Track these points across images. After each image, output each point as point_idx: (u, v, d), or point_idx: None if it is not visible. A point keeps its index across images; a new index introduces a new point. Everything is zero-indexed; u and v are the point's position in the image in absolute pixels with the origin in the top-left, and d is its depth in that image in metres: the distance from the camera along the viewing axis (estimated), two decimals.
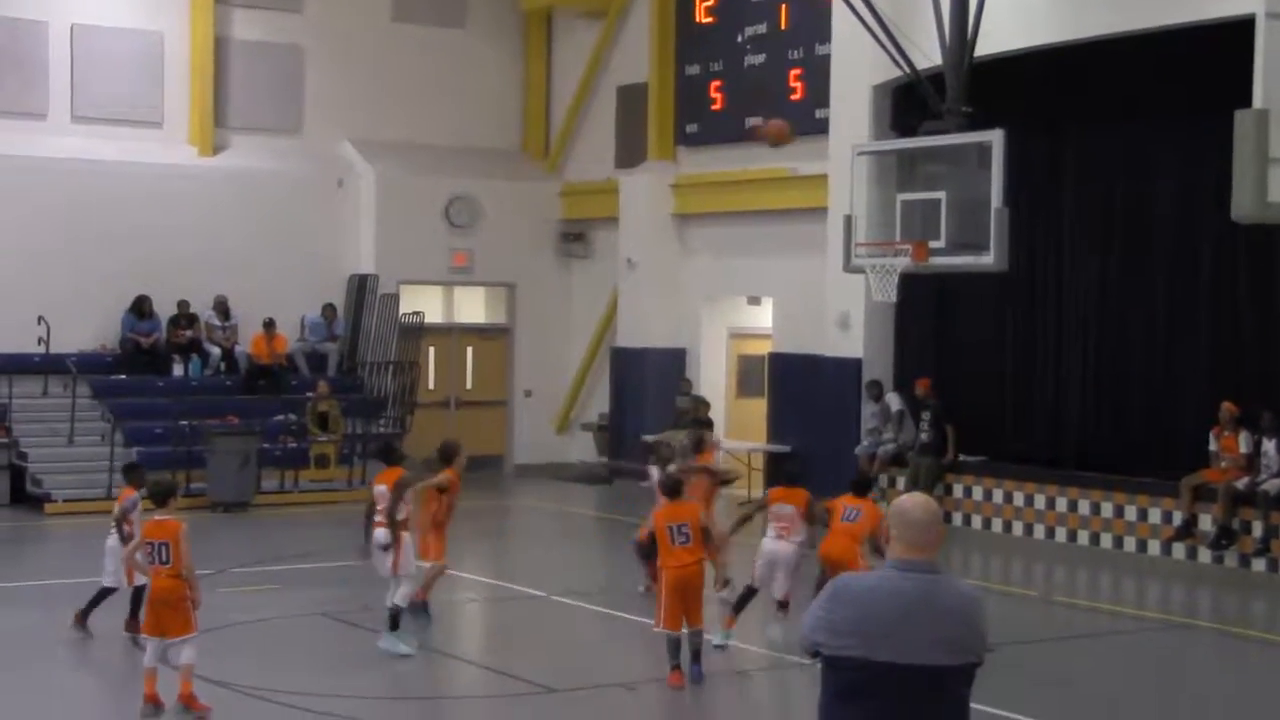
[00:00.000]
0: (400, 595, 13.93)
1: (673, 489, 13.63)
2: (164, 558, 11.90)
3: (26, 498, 23.74)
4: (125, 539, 13.91)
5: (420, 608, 14.79)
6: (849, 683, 6.13)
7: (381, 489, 14.25)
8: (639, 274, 28.13)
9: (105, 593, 14.70)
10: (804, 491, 14.76)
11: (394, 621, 13.85)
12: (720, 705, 13.50)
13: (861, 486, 14.90)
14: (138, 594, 14.27)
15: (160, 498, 12.43)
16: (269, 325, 26.92)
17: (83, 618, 14.76)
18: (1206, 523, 19.72)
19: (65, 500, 23.30)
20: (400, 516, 14.03)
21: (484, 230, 29.30)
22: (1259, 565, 19.15)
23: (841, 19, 22.21)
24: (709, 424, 26.03)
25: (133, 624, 14.26)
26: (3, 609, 16.71)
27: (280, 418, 25.66)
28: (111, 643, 14.12)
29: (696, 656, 13.16)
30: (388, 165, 28.65)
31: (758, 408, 26.65)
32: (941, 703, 6.16)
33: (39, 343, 25.26)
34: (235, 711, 12.55)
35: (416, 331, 28.20)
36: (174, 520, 12.06)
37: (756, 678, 13.88)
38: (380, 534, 14.00)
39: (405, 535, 14.06)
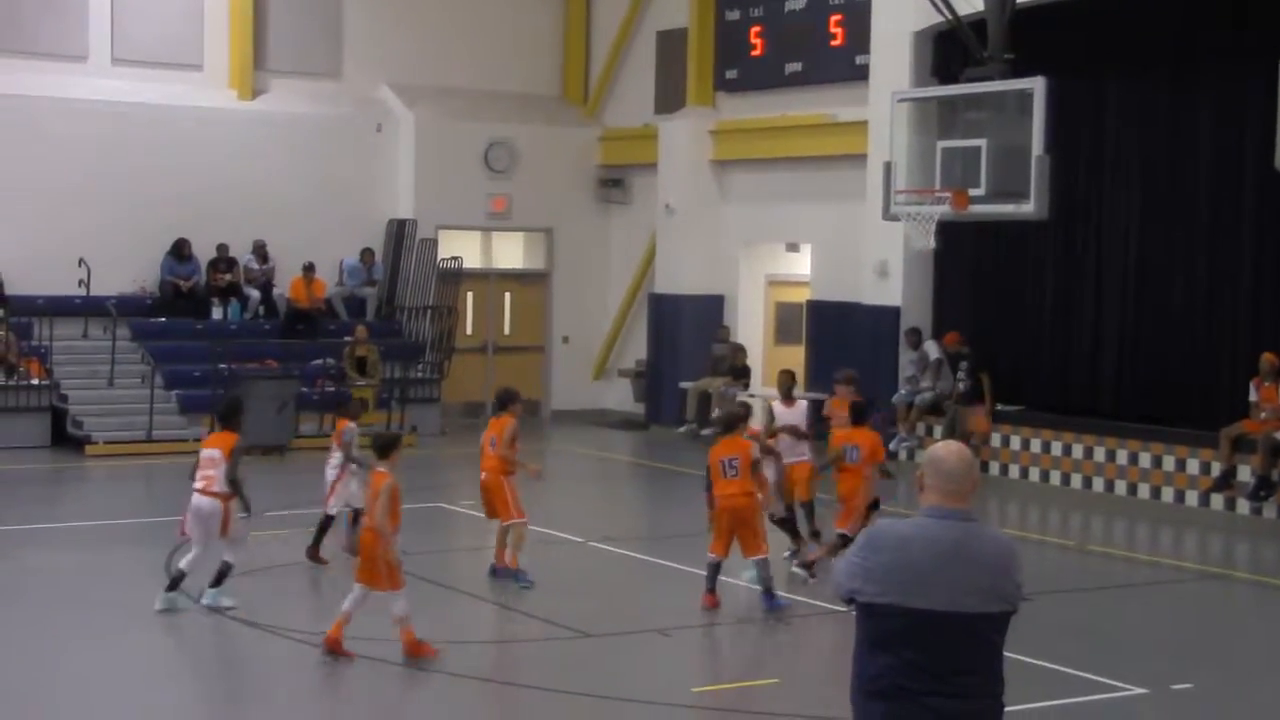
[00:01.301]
0: (230, 554, 13.55)
1: (729, 425, 14.42)
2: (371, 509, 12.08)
3: (67, 439, 23.93)
4: (357, 463, 14.89)
5: (513, 573, 14.76)
6: (884, 630, 6.17)
7: (214, 453, 13.60)
8: (677, 220, 28.10)
9: (329, 520, 15.39)
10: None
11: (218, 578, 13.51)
12: (750, 648, 13.59)
13: (859, 413, 15.30)
14: (325, 523, 15.30)
15: (383, 450, 12.32)
16: (308, 269, 27.03)
17: (315, 551, 15.38)
18: (1245, 474, 19.70)
19: (105, 442, 23.54)
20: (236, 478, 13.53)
21: (522, 175, 29.34)
22: None
23: None
24: (746, 371, 26.19)
25: (313, 550, 15.28)
26: (51, 549, 16.93)
27: (318, 362, 25.79)
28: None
29: (766, 589, 13.78)
30: (426, 110, 28.67)
31: (795, 355, 26.62)
32: (976, 649, 6.20)
33: (79, 285, 25.48)
34: (275, 651, 12.75)
35: (455, 276, 28.26)
36: (385, 474, 12.09)
37: (793, 622, 13.92)
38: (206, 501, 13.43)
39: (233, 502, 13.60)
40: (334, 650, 11.92)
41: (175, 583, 13.43)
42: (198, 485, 13.40)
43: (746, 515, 13.63)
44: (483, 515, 15.45)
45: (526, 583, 14.60)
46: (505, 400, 15.34)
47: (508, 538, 14.86)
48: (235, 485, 13.38)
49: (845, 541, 14.05)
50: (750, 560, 13.90)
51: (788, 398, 16.66)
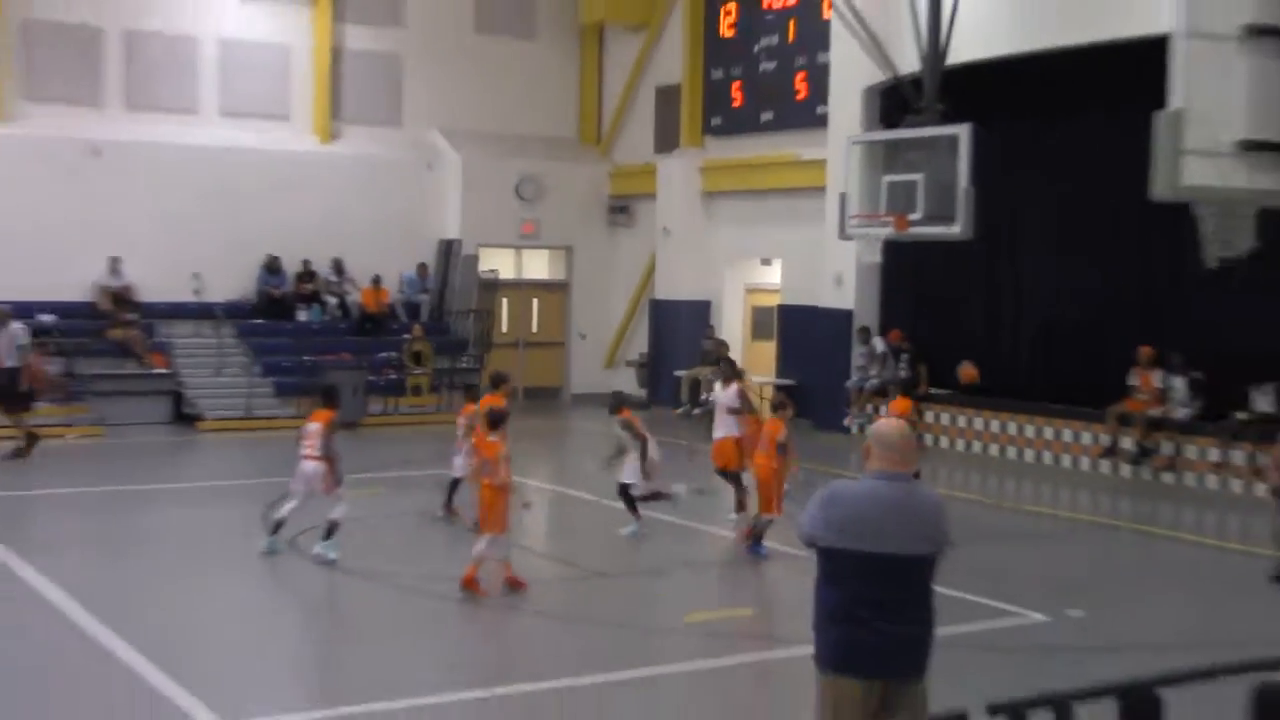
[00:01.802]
0: (337, 512, 13.26)
1: (777, 406, 14.42)
2: (488, 471, 12.21)
3: (183, 416, 24.01)
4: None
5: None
6: (839, 568, 6.21)
7: (315, 426, 13.54)
8: (673, 240, 28.09)
9: (456, 483, 15.27)
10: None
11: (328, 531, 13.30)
12: (736, 583, 13.62)
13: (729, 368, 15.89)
14: (454, 484, 15.25)
15: (495, 424, 12.52)
16: (376, 281, 27.02)
17: (448, 506, 15.38)
18: (1127, 443, 19.78)
19: (213, 419, 23.59)
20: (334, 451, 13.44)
21: (547, 204, 29.27)
22: (1168, 478, 19.22)
23: (838, 33, 22.15)
24: (731, 362, 26.09)
25: (446, 506, 15.29)
26: (172, 504, 17.01)
27: (383, 355, 25.76)
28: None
29: (758, 538, 13.92)
30: (469, 151, 28.62)
31: (768, 349, 26.65)
32: (912, 585, 6.24)
33: (193, 294, 25.64)
34: (351, 591, 12.79)
35: (492, 286, 28.30)
36: (498, 443, 12.25)
37: (766, 566, 13.96)
38: (310, 464, 13.32)
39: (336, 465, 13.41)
40: (469, 588, 12.02)
41: (276, 528, 13.45)
42: (304, 452, 13.42)
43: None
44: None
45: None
46: (497, 381, 15.57)
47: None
48: (330, 452, 13.32)
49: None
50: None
51: (726, 381, 16.09)
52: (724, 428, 15.45)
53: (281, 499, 13.80)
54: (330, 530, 13.23)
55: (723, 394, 15.87)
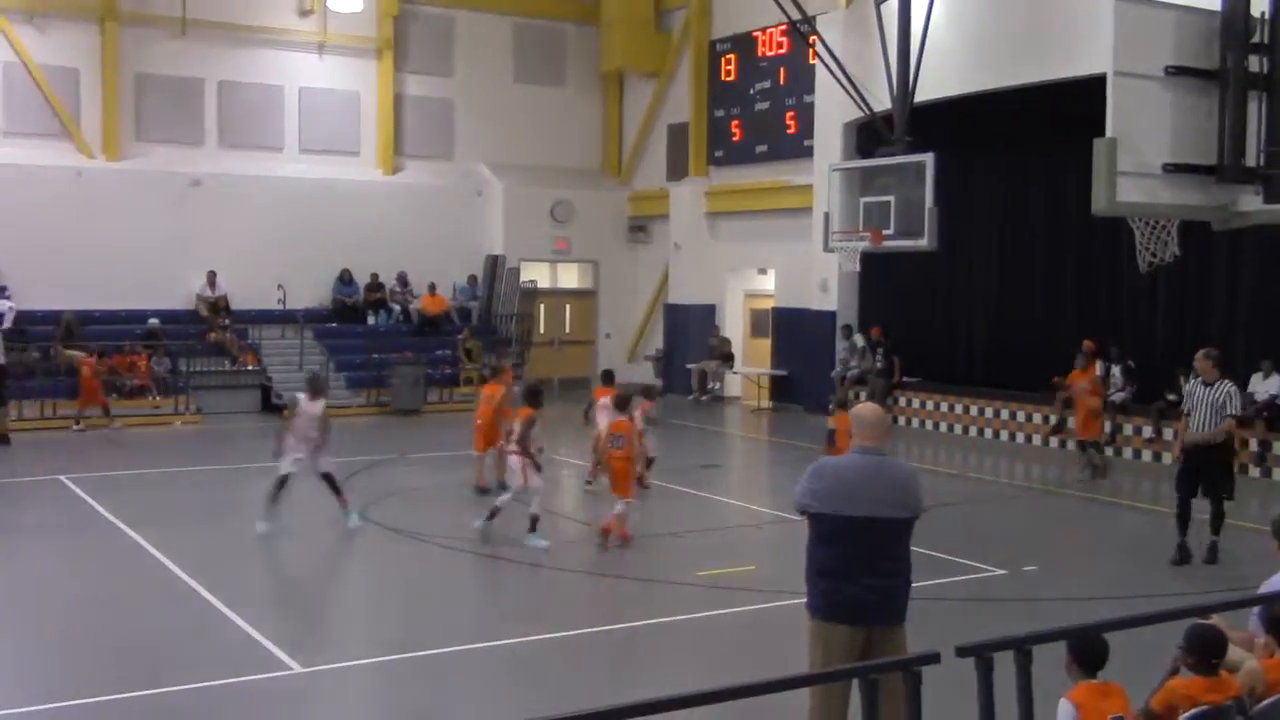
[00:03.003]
0: (535, 504, 12.49)
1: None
2: (620, 444, 12.60)
3: (271, 406, 23.97)
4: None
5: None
6: (827, 530, 6.17)
7: (514, 425, 12.83)
8: (683, 254, 28.01)
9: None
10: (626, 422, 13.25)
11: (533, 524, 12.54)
12: (739, 544, 13.56)
13: (621, 402, 13.34)
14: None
15: (622, 406, 12.95)
16: (432, 288, 27.01)
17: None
18: (1071, 423, 19.61)
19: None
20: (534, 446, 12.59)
21: (577, 224, 29.23)
22: (1107, 452, 19.04)
23: (821, 77, 22.02)
24: (730, 356, 26.09)
25: (593, 471, 15.28)
26: (261, 478, 16.88)
27: (440, 352, 25.76)
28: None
29: None
30: (511, 180, 28.58)
31: (764, 345, 26.58)
32: (890, 544, 6.19)
33: (278, 302, 25.65)
34: (406, 551, 12.73)
35: (531, 293, 28.21)
36: (627, 421, 12.67)
37: (765, 529, 13.91)
38: (514, 459, 12.60)
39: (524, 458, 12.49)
40: (621, 537, 12.45)
41: (492, 515, 12.72)
42: (508, 448, 12.80)
43: None
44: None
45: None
46: (493, 370, 16.09)
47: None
48: (524, 446, 12.40)
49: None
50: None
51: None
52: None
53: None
54: (533, 523, 12.39)
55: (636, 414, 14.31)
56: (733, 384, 27.27)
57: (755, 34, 26.47)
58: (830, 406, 23.00)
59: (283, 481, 13.05)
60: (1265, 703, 5.58)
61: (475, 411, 15.48)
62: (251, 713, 7.94)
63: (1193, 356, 12.71)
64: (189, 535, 13.18)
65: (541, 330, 29.29)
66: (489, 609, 10.84)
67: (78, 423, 20.94)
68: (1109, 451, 18.75)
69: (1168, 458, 18.11)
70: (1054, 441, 19.86)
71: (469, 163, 28.72)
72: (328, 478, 13.32)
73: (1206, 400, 11.78)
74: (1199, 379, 12.07)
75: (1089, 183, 9.24)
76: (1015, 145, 21.27)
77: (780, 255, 25.70)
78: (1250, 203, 8.85)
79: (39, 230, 23.73)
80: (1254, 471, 17.15)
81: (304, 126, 26.79)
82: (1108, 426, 18.84)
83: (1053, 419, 19.76)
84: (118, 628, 9.77)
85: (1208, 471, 11.87)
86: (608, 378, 15.81)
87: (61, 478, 16.25)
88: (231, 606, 10.09)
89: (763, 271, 27.40)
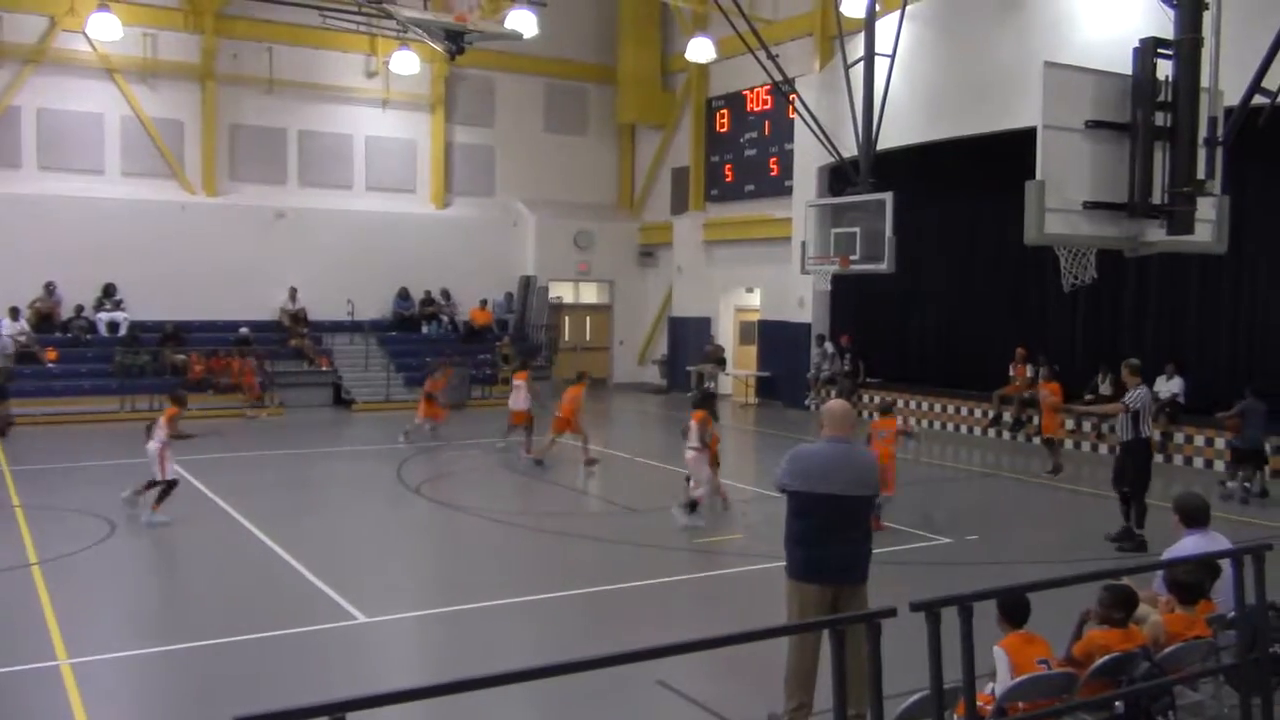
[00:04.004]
0: (702, 491, 12.14)
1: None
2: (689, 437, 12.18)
3: (341, 400, 24.06)
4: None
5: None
6: (803, 505, 6.17)
7: (692, 424, 12.22)
8: (684, 276, 27.98)
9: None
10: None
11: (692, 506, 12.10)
12: (728, 517, 13.51)
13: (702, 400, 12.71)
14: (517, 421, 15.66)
15: (698, 405, 12.32)
16: (483, 303, 27.05)
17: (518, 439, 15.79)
18: (1007, 416, 19.58)
19: (363, 402, 23.59)
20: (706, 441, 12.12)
21: (596, 250, 29.21)
22: (1036, 441, 18.95)
23: (799, 128, 21.97)
24: (723, 361, 26.01)
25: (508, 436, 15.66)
26: (334, 461, 17.03)
27: (484, 356, 25.68)
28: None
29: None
30: (541, 213, 28.57)
31: (751, 351, 26.54)
32: (856, 517, 6.19)
33: (348, 314, 25.63)
34: (454, 521, 12.69)
35: (558, 308, 28.22)
36: (703, 413, 12.14)
37: (750, 504, 13.87)
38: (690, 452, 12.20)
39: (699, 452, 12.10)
40: (721, 498, 12.46)
41: (693, 508, 11.99)
42: (689, 443, 12.13)
43: None
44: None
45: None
46: (579, 376, 16.07)
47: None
48: (702, 442, 11.74)
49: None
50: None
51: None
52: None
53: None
54: (693, 505, 11.98)
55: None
56: (725, 383, 27.28)
57: (745, 92, 26.45)
58: (809, 402, 23.09)
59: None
60: (1166, 650, 5.59)
61: (552, 405, 15.48)
62: (325, 654, 7.94)
63: (1107, 361, 12.65)
64: (265, 505, 13.16)
65: (566, 338, 29.29)
66: (524, 570, 10.78)
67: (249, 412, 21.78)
68: (1037, 440, 18.71)
69: (1085, 445, 18.14)
70: (991, 432, 19.81)
71: (507, 199, 28.71)
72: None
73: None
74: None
75: (1021, 217, 9.24)
76: (961, 185, 21.24)
77: (765, 277, 25.65)
78: (1156, 234, 8.85)
79: (149, 254, 23.81)
80: (1158, 458, 17.10)
81: (370, 168, 26.80)
82: (1037, 420, 18.79)
83: (991, 413, 19.70)
84: (217, 583, 9.79)
85: (1127, 469, 11.76)
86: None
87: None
88: (305, 564, 10.09)
89: (750, 290, 27.36)
